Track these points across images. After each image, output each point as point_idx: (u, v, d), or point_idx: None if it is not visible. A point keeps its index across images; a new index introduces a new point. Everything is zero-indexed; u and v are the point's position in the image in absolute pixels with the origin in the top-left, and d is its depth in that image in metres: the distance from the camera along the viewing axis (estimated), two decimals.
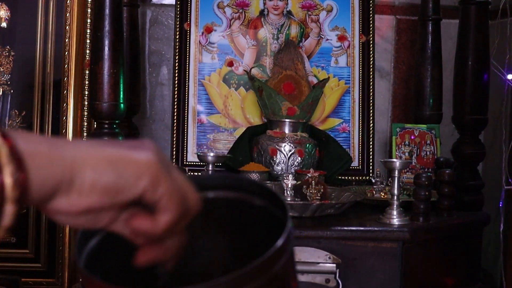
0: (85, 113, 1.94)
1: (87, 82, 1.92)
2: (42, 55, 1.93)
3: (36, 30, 1.93)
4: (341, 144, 1.98)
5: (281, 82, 1.89)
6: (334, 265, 1.45)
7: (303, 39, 2.07)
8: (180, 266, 0.59)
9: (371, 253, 1.46)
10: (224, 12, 2.06)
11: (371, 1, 2.09)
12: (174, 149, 1.99)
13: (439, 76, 2.02)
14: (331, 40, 2.08)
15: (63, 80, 1.94)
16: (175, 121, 2.01)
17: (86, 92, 1.92)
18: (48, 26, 1.94)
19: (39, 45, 1.93)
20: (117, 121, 1.60)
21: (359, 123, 2.04)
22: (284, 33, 2.07)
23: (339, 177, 1.94)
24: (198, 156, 1.70)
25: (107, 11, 1.55)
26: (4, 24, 1.93)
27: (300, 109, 1.85)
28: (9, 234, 1.90)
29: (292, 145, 1.84)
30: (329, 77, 2.03)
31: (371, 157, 2.03)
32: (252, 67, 2.02)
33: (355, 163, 2.01)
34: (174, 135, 2.00)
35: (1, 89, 1.93)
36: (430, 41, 2.00)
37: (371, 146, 2.03)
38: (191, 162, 1.98)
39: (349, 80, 2.07)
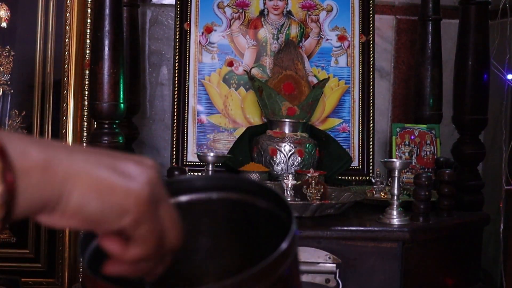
0: (85, 113, 1.94)
1: (87, 82, 1.92)
2: (42, 55, 1.93)
3: (36, 30, 1.93)
4: (341, 144, 1.98)
5: (281, 82, 1.89)
6: (334, 265, 1.45)
7: (303, 39, 2.07)
8: (181, 266, 0.59)
9: (371, 253, 1.46)
10: (224, 12, 2.06)
11: (371, 1, 2.09)
12: (174, 149, 1.99)
13: (439, 76, 2.02)
14: (331, 40, 2.08)
15: (63, 80, 1.94)
16: (175, 121, 2.01)
17: (86, 92, 1.92)
18: (48, 26, 1.94)
19: (39, 45, 1.93)
20: (117, 121, 1.60)
21: (359, 123, 2.04)
22: (284, 33, 2.07)
23: (339, 177, 1.94)
24: (198, 156, 1.70)
25: (107, 11, 1.55)
26: (4, 24, 1.93)
27: (300, 109, 1.85)
28: (9, 234, 1.90)
29: (292, 145, 1.84)
30: (329, 77, 2.03)
31: (371, 157, 2.03)
32: (252, 67, 2.02)
33: (355, 163, 2.01)
34: (174, 135, 2.00)
35: (1, 89, 1.93)
36: (430, 41, 2.00)
37: (371, 146, 2.03)
38: (191, 162, 1.98)
39: (349, 80, 2.07)
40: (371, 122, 2.04)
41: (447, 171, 1.61)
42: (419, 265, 1.52)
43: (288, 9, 2.08)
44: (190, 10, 2.05)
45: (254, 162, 1.84)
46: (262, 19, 2.07)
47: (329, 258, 1.45)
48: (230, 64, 2.05)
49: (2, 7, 1.93)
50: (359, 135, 2.04)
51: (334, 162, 1.89)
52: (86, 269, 0.53)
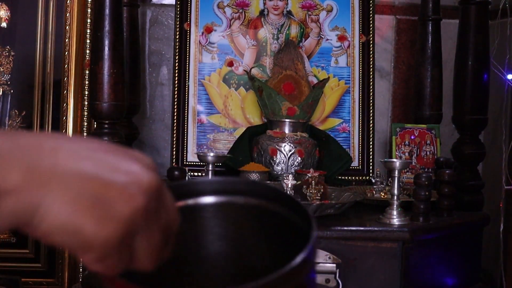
0: (85, 113, 1.94)
1: (87, 82, 1.92)
2: (42, 55, 1.93)
3: (36, 30, 1.93)
4: (341, 144, 1.98)
5: (281, 82, 1.89)
6: (334, 265, 1.44)
7: (303, 39, 2.07)
8: (199, 267, 0.59)
9: (371, 253, 1.46)
10: (224, 12, 2.06)
11: (371, 1, 2.09)
12: (174, 149, 1.99)
13: (439, 76, 2.02)
14: (331, 40, 2.08)
15: (63, 80, 1.94)
16: (175, 121, 2.01)
17: (86, 92, 1.92)
18: (48, 26, 1.94)
19: (39, 45, 1.93)
20: (117, 121, 1.60)
21: (359, 123, 2.04)
22: (284, 33, 2.07)
23: (339, 177, 1.94)
24: (198, 156, 1.70)
25: (107, 11, 1.55)
26: (4, 24, 1.93)
27: (300, 109, 1.85)
28: (9, 234, 1.90)
29: (292, 145, 1.84)
30: (329, 77, 2.03)
31: (371, 157, 2.02)
32: (252, 67, 2.02)
33: (355, 163, 2.01)
34: (174, 135, 2.00)
35: (1, 89, 1.93)
36: (430, 41, 2.00)
37: (371, 146, 2.03)
38: (191, 162, 1.98)
39: (349, 80, 2.07)
40: (371, 122, 2.04)
41: (447, 171, 1.61)
42: (419, 265, 1.52)
43: (288, 9, 2.08)
44: (190, 10, 2.05)
45: (254, 162, 1.84)
46: (262, 19, 2.07)
47: (329, 258, 1.45)
48: (230, 64, 2.05)
49: (2, 7, 1.93)
50: (359, 135, 2.04)
51: (334, 162, 1.89)
52: None
